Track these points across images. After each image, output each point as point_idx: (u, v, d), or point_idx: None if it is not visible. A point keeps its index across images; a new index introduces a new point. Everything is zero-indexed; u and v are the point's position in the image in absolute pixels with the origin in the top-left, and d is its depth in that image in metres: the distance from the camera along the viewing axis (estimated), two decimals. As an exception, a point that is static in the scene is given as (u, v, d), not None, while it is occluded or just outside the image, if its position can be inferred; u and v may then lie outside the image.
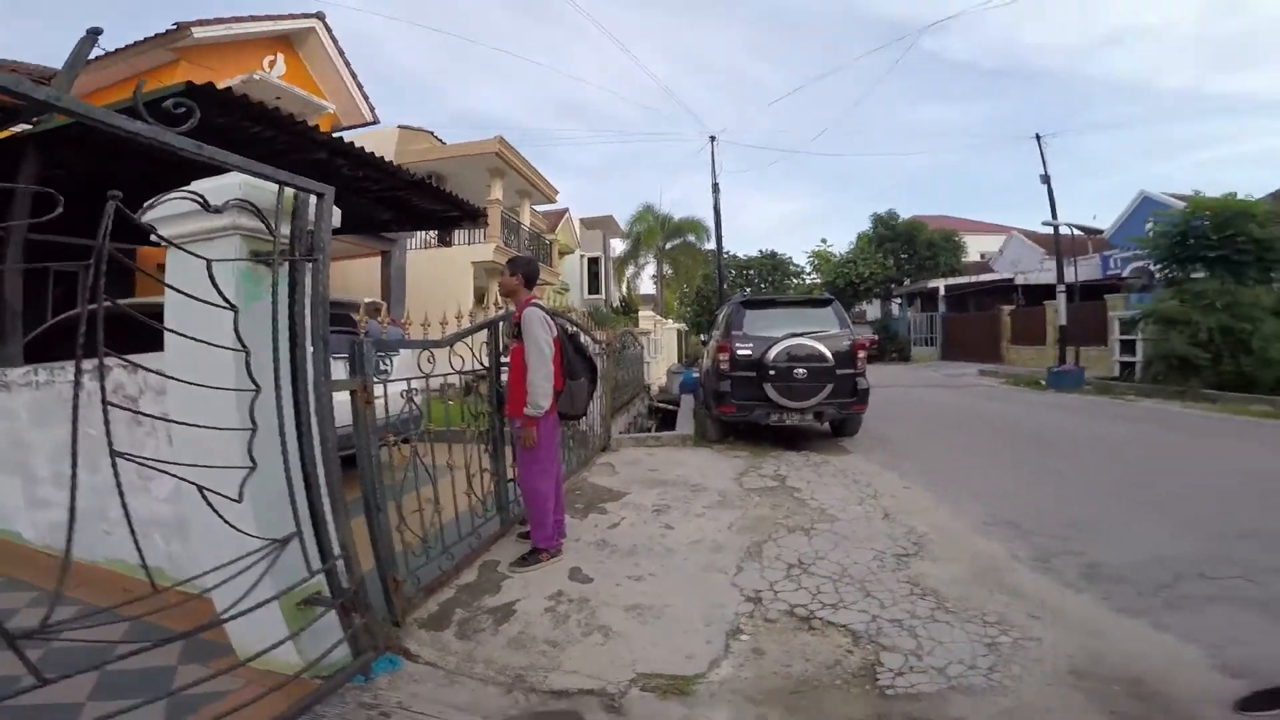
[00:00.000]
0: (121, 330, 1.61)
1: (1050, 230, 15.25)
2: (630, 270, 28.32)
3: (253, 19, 10.19)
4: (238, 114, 5.01)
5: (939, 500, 4.44)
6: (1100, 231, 19.14)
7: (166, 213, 1.89)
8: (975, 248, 29.34)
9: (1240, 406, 8.58)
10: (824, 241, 30.35)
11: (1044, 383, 12.16)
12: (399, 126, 15.18)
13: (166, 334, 1.87)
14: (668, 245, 26.82)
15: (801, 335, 6.17)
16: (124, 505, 1.45)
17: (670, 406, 10.48)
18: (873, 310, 29.89)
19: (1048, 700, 2.04)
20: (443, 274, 13.65)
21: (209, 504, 1.64)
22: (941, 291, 23.64)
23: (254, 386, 1.80)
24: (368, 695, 2.09)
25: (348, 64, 12.00)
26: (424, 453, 2.95)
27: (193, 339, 1.74)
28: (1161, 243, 11.51)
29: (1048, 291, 16.15)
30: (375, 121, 12.93)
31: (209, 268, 1.72)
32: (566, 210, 24.31)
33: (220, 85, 4.75)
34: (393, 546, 2.54)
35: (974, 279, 23.63)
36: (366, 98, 12.44)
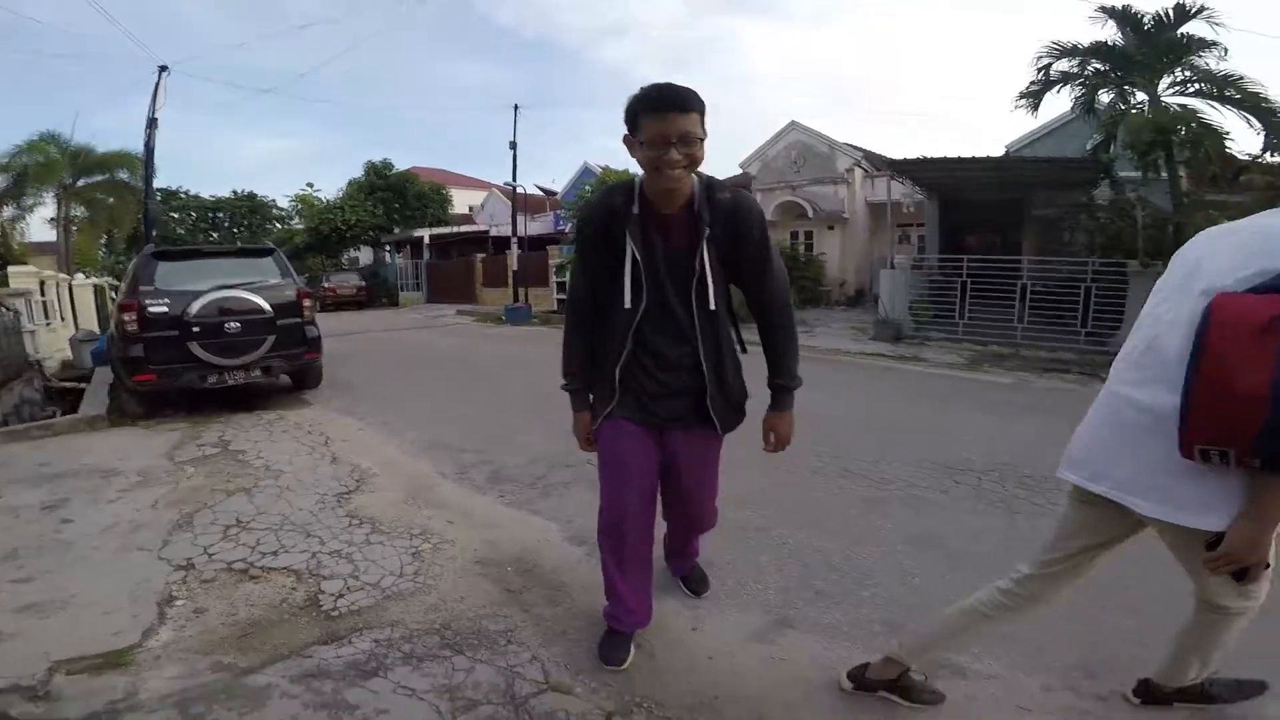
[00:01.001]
0: None
1: (524, 190, 17.95)
2: (8, 212, 19.90)
3: None
4: None
5: (388, 436, 4.85)
6: (555, 193, 23.43)
7: None
8: (463, 201, 31.75)
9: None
10: (310, 186, 27.93)
11: (503, 318, 14.45)
12: None
13: None
14: (83, 182, 20.07)
15: (234, 287, 5.62)
16: None
17: (81, 385, 8.04)
18: (365, 257, 29.47)
19: (461, 590, 2.46)
20: None
21: None
22: (426, 240, 24.94)
23: None
24: None
25: None
26: None
27: None
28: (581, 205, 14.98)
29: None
30: None
31: None
32: None
33: None
34: None
35: (456, 229, 25.74)
36: None
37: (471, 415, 5.51)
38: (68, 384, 8.39)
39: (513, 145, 17.95)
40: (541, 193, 22.66)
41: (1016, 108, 10.09)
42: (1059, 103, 10.22)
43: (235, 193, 28.08)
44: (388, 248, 27.79)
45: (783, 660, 2.03)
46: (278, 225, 28.33)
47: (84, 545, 2.99)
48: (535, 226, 20.89)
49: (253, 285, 5.73)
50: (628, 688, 1.89)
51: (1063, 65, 9.66)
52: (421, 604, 2.38)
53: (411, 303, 23.83)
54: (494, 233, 23.68)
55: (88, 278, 17.03)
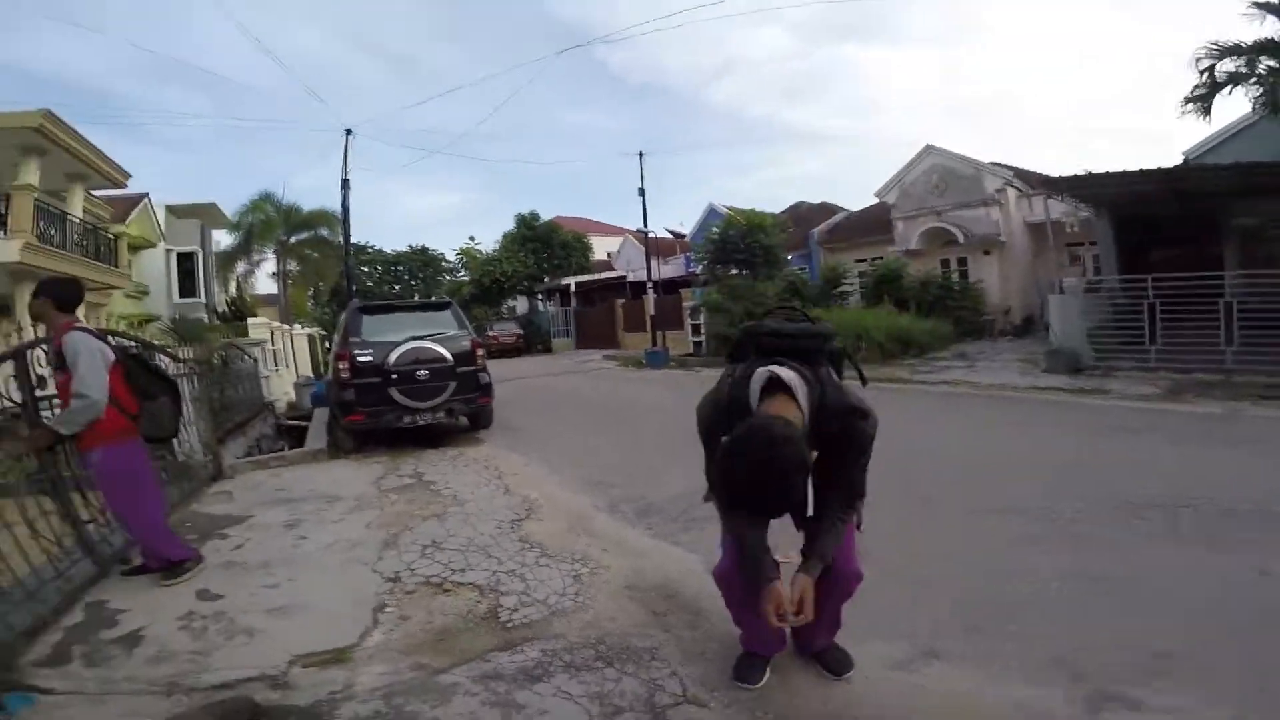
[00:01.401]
0: None
1: (655, 234, 18.80)
2: (241, 267, 24.16)
3: None
4: None
5: (550, 472, 5.42)
6: (684, 235, 24.22)
7: None
8: (602, 248, 33.29)
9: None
10: (472, 239, 31.02)
11: (643, 362, 15.06)
12: None
13: None
14: (294, 239, 23.71)
15: (421, 338, 6.55)
16: None
17: (304, 423, 9.67)
18: (521, 306, 31.71)
19: (613, 610, 2.73)
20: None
21: None
22: (572, 288, 26.69)
23: None
24: None
25: None
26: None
27: None
28: (709, 248, 15.36)
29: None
30: None
31: None
32: (145, 197, 19.27)
33: None
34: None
35: (596, 276, 27.32)
36: None
37: (619, 454, 5.96)
38: (292, 422, 10.11)
39: (641, 192, 18.83)
40: (671, 236, 23.49)
41: (1184, 113, 9.17)
42: (1235, 105, 9.12)
43: (410, 247, 31.73)
44: (540, 296, 29.92)
45: (926, 688, 2.06)
46: (447, 277, 31.56)
47: (316, 558, 3.64)
48: (667, 270, 21.56)
49: (436, 336, 6.65)
50: (760, 705, 2.00)
51: (1228, 65, 8.61)
52: (580, 621, 2.66)
53: (563, 348, 25.40)
54: (630, 278, 24.74)
55: (303, 328, 19.64)
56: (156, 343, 5.90)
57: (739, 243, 14.71)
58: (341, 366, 6.33)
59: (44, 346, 3.28)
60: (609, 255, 32.14)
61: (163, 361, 4.82)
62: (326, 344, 10.67)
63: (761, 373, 1.76)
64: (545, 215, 29.83)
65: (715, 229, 15.76)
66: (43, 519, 3.07)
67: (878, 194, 17.66)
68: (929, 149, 16.36)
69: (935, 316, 13.16)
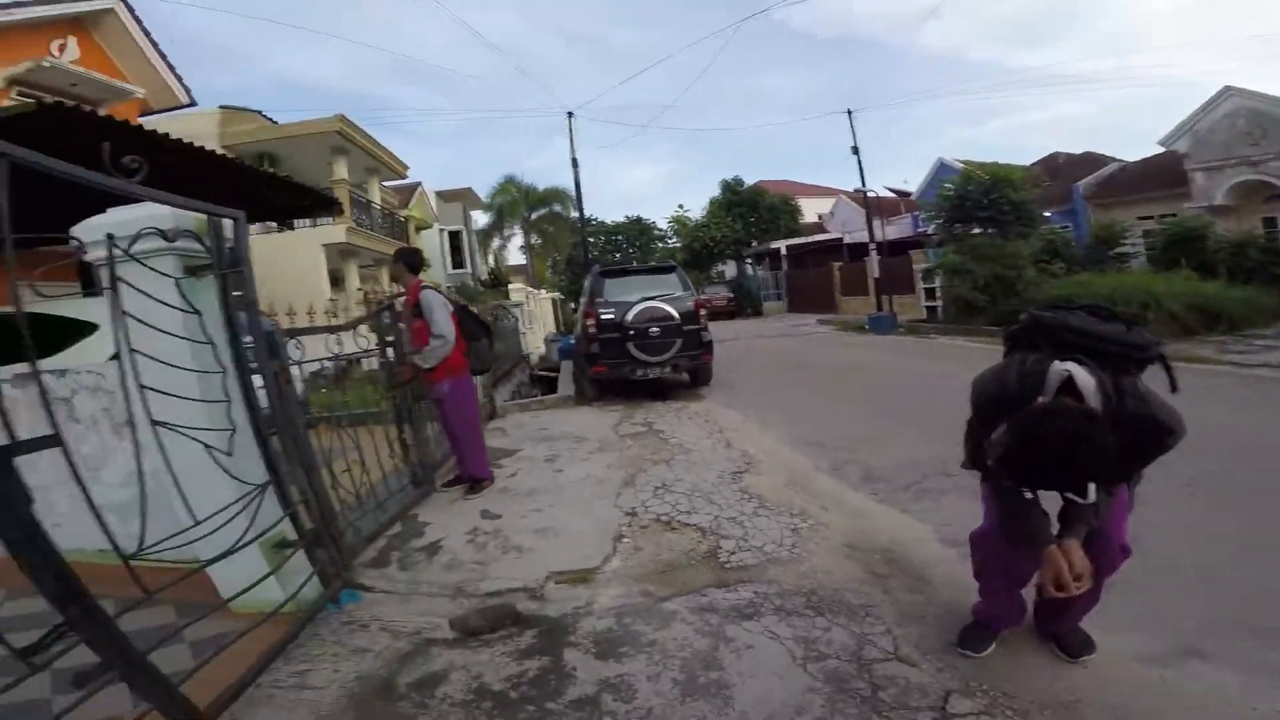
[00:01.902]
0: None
1: (874, 194, 17.69)
2: (496, 242, 28.09)
3: (35, 3, 9.00)
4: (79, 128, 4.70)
5: (766, 429, 5.62)
6: (909, 194, 22.21)
7: (122, 235, 2.25)
8: (811, 210, 32.23)
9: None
10: (681, 207, 32.11)
11: (866, 327, 14.31)
12: (220, 107, 13.88)
13: (129, 335, 2.25)
14: (533, 215, 26.84)
15: (653, 298, 7.14)
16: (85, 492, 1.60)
17: (551, 373, 11.17)
18: (729, 270, 32.02)
19: (829, 565, 2.82)
20: (289, 258, 12.90)
21: (214, 458, 2.14)
22: (783, 251, 26.15)
23: (221, 368, 2.31)
24: (344, 617, 2.66)
25: (154, 43, 10.83)
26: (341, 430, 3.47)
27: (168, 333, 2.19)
28: (944, 205, 13.88)
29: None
30: (192, 103, 11.80)
31: (179, 284, 2.19)
32: (419, 184, 23.44)
33: (3, 72, 4.52)
34: (331, 501, 3.06)
35: (809, 239, 26.37)
36: (179, 78, 11.32)
37: (841, 418, 5.90)
38: (543, 373, 11.70)
39: (854, 150, 17.80)
40: (894, 195, 21.59)
41: None
42: None
43: (626, 217, 33.60)
44: (748, 260, 29.93)
45: (1180, 687, 1.88)
46: (659, 245, 32.97)
47: (570, 490, 4.28)
48: (892, 230, 20.05)
49: (665, 297, 7.24)
50: (975, 674, 1.97)
51: None
52: (794, 571, 2.78)
53: (774, 312, 25.29)
54: (847, 240, 23.45)
55: (545, 293, 22.03)
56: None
57: (981, 199, 13.03)
58: (589, 323, 7.19)
59: (398, 301, 4.36)
60: (819, 217, 31.07)
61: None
62: (573, 305, 12.03)
63: (1059, 369, 1.68)
64: (750, 180, 29.75)
65: (948, 185, 14.14)
66: (397, 443, 4.07)
67: (1163, 142, 14.62)
68: (1228, 91, 13.59)
69: (1254, 285, 10.39)
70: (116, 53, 10.52)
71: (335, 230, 13.55)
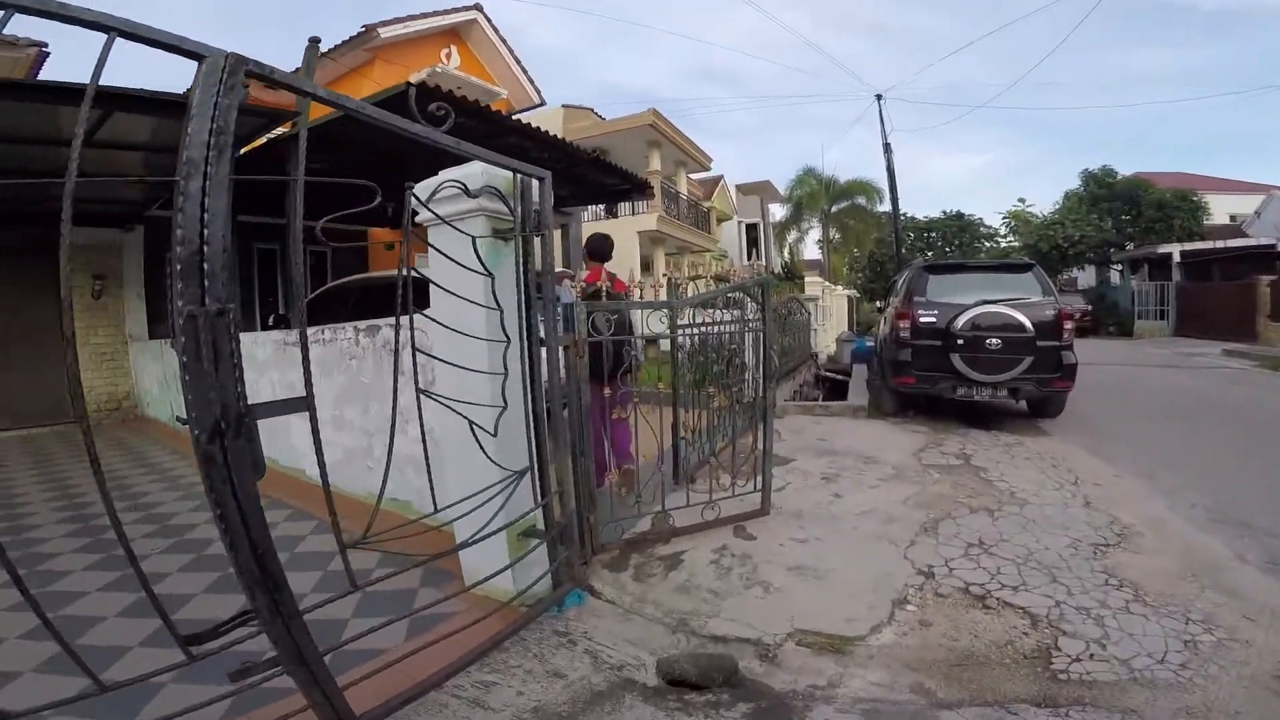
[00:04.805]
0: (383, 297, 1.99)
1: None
2: (793, 236, 27.42)
3: (424, 15, 11.24)
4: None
5: (1153, 491, 3.96)
6: None
7: (440, 196, 2.30)
8: (1222, 209, 24.54)
9: None
10: (1022, 201, 27.03)
11: (1317, 367, 9.86)
12: (563, 106, 15.89)
13: (433, 295, 2.29)
14: (834, 209, 25.56)
15: (996, 302, 5.67)
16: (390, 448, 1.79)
17: (839, 376, 10.19)
18: (1085, 278, 26.23)
19: (1240, 703, 1.88)
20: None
21: (475, 438, 2.02)
22: (1176, 258, 19.91)
23: (505, 339, 2.18)
24: (559, 624, 2.45)
25: (511, 50, 12.83)
26: (646, 414, 3.28)
27: (465, 299, 2.14)
28: None
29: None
30: (542, 103, 13.65)
31: (474, 243, 2.10)
32: (721, 177, 23.99)
33: (410, 79, 5.42)
34: (593, 490, 2.88)
35: (1221, 244, 19.55)
36: (532, 81, 13.23)
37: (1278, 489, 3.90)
38: (829, 374, 10.79)
39: None
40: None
41: None
42: None
43: (944, 212, 29.63)
44: (1118, 267, 23.77)
45: None
46: (986, 243, 28.48)
47: (848, 523, 3.50)
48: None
49: (1015, 301, 5.71)
50: None
51: None
52: (1175, 702, 1.90)
53: (1151, 333, 19.57)
54: (1282, 247, 16.83)
55: (842, 289, 20.77)
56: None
57: None
58: (902, 325, 6.09)
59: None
60: (1233, 218, 23.95)
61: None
62: (878, 304, 10.85)
63: None
64: (1121, 172, 23.91)
65: None
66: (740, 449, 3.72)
67: None
68: None
69: None
70: (484, 59, 12.77)
71: (648, 219, 14.56)
